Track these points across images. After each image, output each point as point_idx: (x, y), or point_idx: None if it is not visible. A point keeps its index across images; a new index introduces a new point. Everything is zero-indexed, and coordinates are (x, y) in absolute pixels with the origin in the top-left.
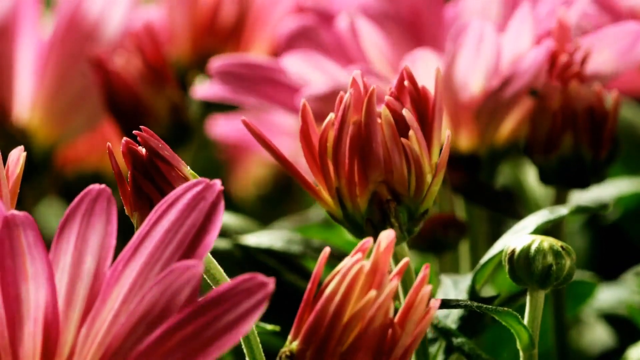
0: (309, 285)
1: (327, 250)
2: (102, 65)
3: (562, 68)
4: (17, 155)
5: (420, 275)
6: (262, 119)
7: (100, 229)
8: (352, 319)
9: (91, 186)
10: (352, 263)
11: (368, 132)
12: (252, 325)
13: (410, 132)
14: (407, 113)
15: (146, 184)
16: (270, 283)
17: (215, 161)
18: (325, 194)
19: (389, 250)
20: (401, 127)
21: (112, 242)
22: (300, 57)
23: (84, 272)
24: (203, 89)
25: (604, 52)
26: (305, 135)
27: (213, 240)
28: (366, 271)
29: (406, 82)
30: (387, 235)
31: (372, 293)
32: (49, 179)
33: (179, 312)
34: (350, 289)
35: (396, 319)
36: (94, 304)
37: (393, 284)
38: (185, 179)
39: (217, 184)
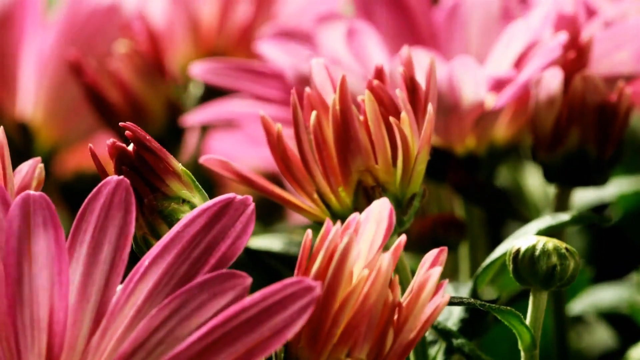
0: (295, 271)
1: (309, 232)
2: (82, 69)
3: (567, 59)
4: (32, 167)
5: (435, 252)
6: (258, 131)
7: (119, 219)
8: (346, 298)
9: (109, 178)
10: (338, 237)
11: (344, 118)
12: (297, 330)
13: (403, 114)
14: (400, 93)
15: (134, 178)
16: (317, 287)
17: (207, 176)
18: (309, 204)
19: (388, 219)
20: (386, 112)
21: (131, 229)
22: (276, 43)
23: (100, 261)
24: (194, 115)
25: (621, 53)
26: (272, 146)
27: (242, 246)
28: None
29: (400, 69)
30: (382, 204)
31: (365, 271)
32: (49, 183)
33: (221, 314)
34: (341, 266)
35: (404, 302)
36: (111, 296)
37: (386, 258)
38: (175, 173)
39: (249, 198)
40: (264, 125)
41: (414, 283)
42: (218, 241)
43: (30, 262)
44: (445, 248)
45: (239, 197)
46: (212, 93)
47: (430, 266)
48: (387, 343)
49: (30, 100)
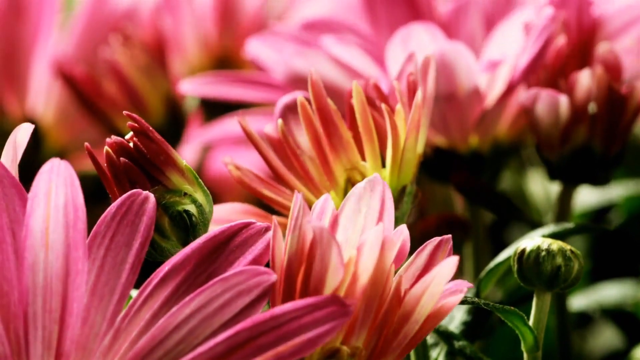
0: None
1: (274, 219)
2: (67, 73)
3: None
4: None
5: (437, 240)
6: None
7: (139, 226)
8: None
9: (134, 191)
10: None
11: (322, 115)
12: (326, 341)
13: (398, 106)
14: (397, 85)
15: (133, 170)
16: (352, 306)
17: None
18: None
19: (381, 196)
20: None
21: (150, 237)
22: (263, 41)
23: (116, 263)
24: (199, 135)
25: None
26: (244, 185)
27: (262, 265)
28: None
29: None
30: (373, 179)
31: (353, 251)
32: None
33: (250, 318)
34: (328, 247)
35: (411, 291)
36: (125, 297)
37: (373, 232)
38: (176, 166)
39: (270, 225)
40: (232, 174)
41: (419, 270)
42: (238, 257)
43: (47, 249)
44: (450, 237)
45: (260, 223)
46: (207, 104)
47: (432, 252)
48: (389, 332)
49: (41, 98)
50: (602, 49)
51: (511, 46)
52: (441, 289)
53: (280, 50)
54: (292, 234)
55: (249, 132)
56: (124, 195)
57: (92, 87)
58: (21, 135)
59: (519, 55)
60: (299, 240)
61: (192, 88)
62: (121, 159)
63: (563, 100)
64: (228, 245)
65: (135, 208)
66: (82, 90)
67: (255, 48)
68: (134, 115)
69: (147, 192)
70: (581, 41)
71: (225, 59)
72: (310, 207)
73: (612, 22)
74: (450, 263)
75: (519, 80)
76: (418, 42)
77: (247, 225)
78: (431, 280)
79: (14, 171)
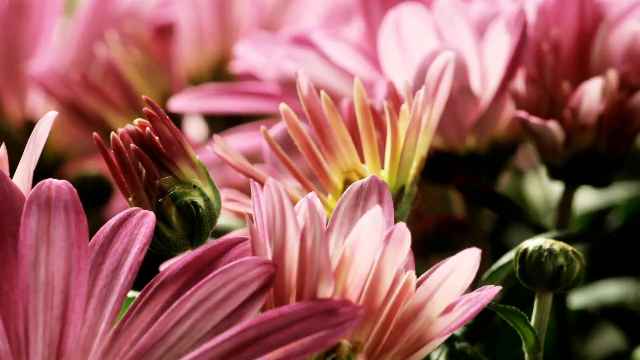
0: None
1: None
2: (50, 89)
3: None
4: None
5: None
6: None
7: (137, 235)
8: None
9: (133, 209)
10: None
11: (314, 118)
12: (333, 342)
13: (403, 106)
14: (405, 85)
15: (144, 158)
16: (361, 310)
17: None
18: None
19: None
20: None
21: (149, 240)
22: (251, 44)
23: (115, 266)
24: (206, 153)
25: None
26: (230, 212)
27: None
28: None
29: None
30: (372, 179)
31: (348, 242)
32: None
33: (257, 316)
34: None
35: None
36: (122, 297)
37: (367, 217)
38: (188, 157)
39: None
40: None
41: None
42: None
43: (48, 246)
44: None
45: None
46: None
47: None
48: (395, 328)
49: (41, 101)
50: (629, 28)
51: (499, 42)
52: (460, 283)
53: (270, 54)
54: (275, 228)
55: (227, 160)
56: (123, 213)
57: (87, 90)
58: (44, 125)
59: (505, 51)
60: (282, 235)
61: (183, 104)
62: (131, 145)
63: (556, 128)
64: (227, 255)
65: (134, 222)
66: (71, 101)
67: (245, 53)
68: (151, 100)
69: (145, 210)
70: (584, 31)
71: (223, 63)
72: None
73: (614, 9)
74: (471, 256)
75: (508, 75)
76: (409, 28)
77: (246, 238)
78: (449, 273)
79: (31, 164)
